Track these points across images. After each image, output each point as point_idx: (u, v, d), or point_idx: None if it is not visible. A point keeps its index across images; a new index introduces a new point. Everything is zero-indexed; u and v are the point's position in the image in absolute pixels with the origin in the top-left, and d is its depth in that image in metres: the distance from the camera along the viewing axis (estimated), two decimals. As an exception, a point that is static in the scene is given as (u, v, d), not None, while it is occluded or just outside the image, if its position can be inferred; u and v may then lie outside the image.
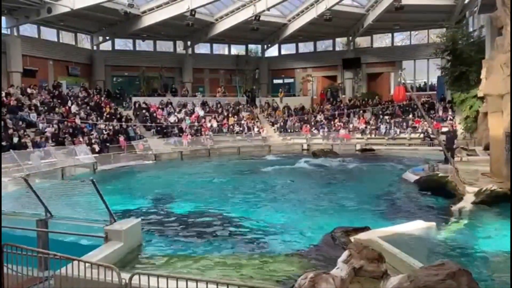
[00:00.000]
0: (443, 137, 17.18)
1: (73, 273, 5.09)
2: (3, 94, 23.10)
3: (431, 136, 26.12)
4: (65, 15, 26.42)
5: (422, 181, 13.72)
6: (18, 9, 25.51)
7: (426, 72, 34.70)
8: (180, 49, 36.98)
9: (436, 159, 17.03)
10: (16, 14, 25.86)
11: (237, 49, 39.68)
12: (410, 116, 30.01)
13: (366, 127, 30.18)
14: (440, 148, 16.37)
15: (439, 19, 30.53)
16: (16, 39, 26.40)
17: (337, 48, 38.10)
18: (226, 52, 39.73)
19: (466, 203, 10.67)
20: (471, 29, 28.44)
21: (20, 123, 21.43)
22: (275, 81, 39.85)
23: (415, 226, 8.43)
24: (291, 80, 39.41)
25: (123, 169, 20.66)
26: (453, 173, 12.54)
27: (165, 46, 37.42)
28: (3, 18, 26.58)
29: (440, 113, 29.47)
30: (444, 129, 21.57)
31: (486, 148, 17.30)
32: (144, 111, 29.73)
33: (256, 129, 31.12)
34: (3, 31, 26.74)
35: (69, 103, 26.40)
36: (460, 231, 8.76)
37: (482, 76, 15.37)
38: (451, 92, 28.66)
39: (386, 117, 30.65)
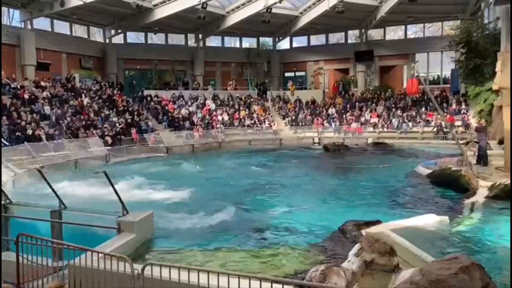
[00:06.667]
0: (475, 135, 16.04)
1: (86, 263, 5.16)
2: (18, 87, 23.39)
3: (445, 129, 25.85)
4: (77, 8, 26.58)
5: (434, 175, 13.60)
6: (32, 2, 25.69)
7: (440, 65, 34.21)
8: (191, 42, 36.99)
9: (449, 153, 16.86)
10: (29, 7, 26.05)
11: (248, 42, 39.57)
12: (423, 109, 29.71)
13: (378, 121, 29.96)
14: (454, 141, 16.17)
15: (453, 10, 30.04)
16: (30, 32, 26.62)
17: (349, 41, 37.72)
18: (238, 45, 39.62)
19: (479, 197, 10.57)
20: (486, 21, 27.92)
21: (34, 115, 21.69)
22: (287, 74, 39.67)
23: (427, 220, 8.37)
24: (303, 73, 39.16)
25: (137, 161, 20.84)
26: (467, 167, 12.41)
27: (176, 39, 37.45)
28: (17, 12, 26.86)
29: (454, 106, 29.12)
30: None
31: (501, 142, 17.04)
32: (153, 103, 29.89)
33: (267, 123, 31.08)
34: (17, 24, 27.05)
35: (82, 96, 26.62)
36: (473, 225, 8.68)
37: (497, 69, 15.12)
38: (465, 85, 28.28)
39: (399, 111, 30.33)
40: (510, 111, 12.37)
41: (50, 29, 29.72)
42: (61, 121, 22.10)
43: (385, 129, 29.22)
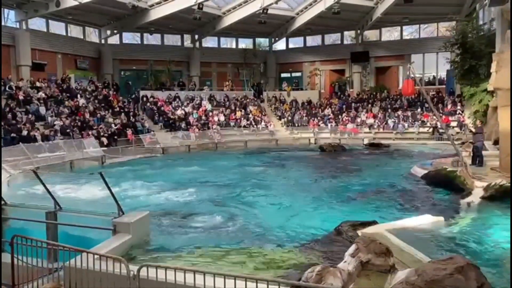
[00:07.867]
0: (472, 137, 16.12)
1: (82, 264, 5.14)
2: (13, 87, 23.28)
3: (440, 130, 25.95)
4: (73, 8, 26.52)
5: (430, 175, 13.62)
6: (27, 2, 25.63)
7: (435, 65, 34.38)
8: (187, 42, 36.97)
9: (445, 154, 16.91)
10: (25, 7, 25.98)
11: (244, 43, 39.59)
12: (419, 110, 29.82)
13: (374, 121, 30.04)
14: (450, 142, 16.22)
15: (448, 12, 30.18)
16: (25, 32, 26.53)
17: (345, 42, 37.81)
18: (234, 46, 39.64)
19: (475, 197, 10.60)
20: (481, 22, 28.07)
21: (29, 116, 21.59)
22: (283, 75, 39.71)
23: (423, 220, 8.39)
24: (299, 74, 39.23)
25: (132, 162, 20.78)
26: (462, 168, 12.45)
27: (172, 39, 37.40)
28: (12, 12, 26.76)
29: (449, 107, 29.23)
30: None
31: (496, 142, 17.13)
32: (149, 104, 29.83)
33: (263, 123, 31.08)
34: (12, 25, 26.94)
35: (78, 96, 26.52)
36: (469, 226, 8.70)
37: (492, 69, 15.19)
38: (461, 86, 28.39)
39: (398, 112, 30.39)
40: (508, 112, 12.38)
41: (45, 30, 29.65)
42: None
43: (381, 130, 29.33)
